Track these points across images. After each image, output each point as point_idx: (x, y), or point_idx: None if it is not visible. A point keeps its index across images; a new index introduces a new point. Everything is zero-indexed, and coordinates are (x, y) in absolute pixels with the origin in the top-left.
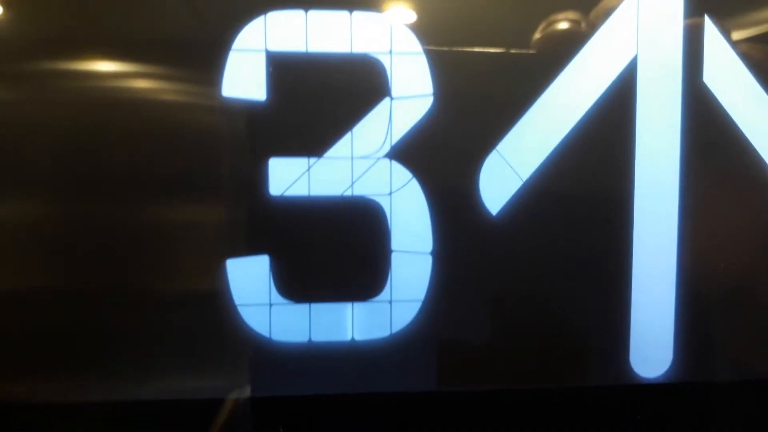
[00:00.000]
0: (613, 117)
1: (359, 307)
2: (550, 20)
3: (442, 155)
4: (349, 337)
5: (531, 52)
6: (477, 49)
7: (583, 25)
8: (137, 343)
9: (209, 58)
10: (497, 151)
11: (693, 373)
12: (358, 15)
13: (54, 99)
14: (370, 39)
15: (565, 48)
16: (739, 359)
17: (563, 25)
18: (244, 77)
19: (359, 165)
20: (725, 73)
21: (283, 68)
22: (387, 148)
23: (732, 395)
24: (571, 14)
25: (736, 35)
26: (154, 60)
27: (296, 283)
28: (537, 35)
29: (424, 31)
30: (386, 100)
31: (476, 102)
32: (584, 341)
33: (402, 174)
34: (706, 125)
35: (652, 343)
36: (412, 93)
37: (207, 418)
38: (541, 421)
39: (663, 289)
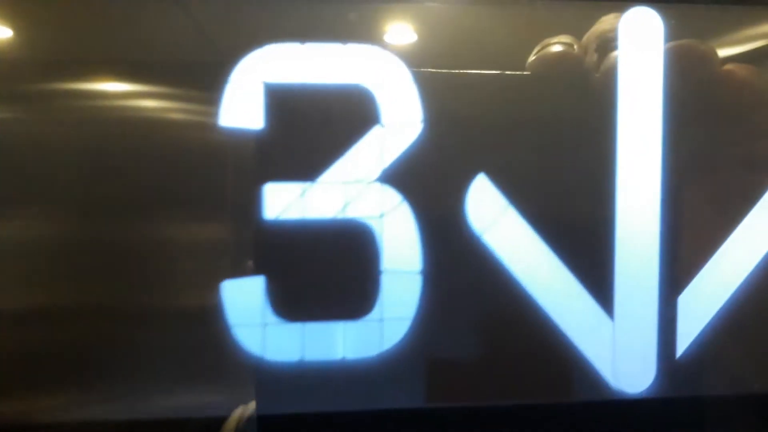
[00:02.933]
0: (592, 136)
1: (350, 326)
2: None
3: (431, 178)
4: (340, 356)
5: (518, 74)
6: (464, 74)
7: (575, 48)
8: (134, 361)
9: (209, 88)
10: (484, 173)
11: (676, 389)
12: (351, 46)
13: (55, 118)
14: (362, 69)
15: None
16: (723, 374)
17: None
18: (241, 107)
19: (351, 189)
20: None
21: (279, 99)
22: (378, 173)
23: (717, 410)
24: (564, 38)
25: None
26: (157, 87)
27: (290, 303)
28: (529, 57)
29: (413, 59)
30: (377, 128)
31: (464, 127)
32: (569, 357)
33: (392, 197)
34: None
35: (634, 358)
36: (402, 120)
37: None
38: None
39: (647, 301)
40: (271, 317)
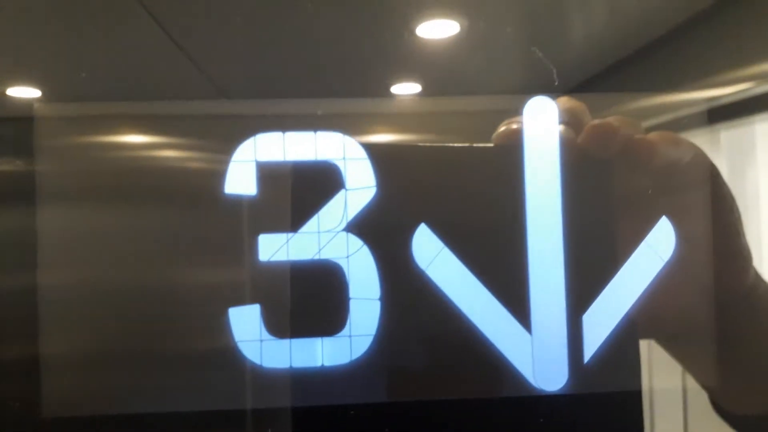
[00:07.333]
0: (504, 194)
1: (327, 340)
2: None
3: (384, 227)
4: (320, 363)
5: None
6: (409, 146)
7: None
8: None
9: (214, 168)
10: (424, 223)
11: (585, 387)
12: (321, 134)
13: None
14: (330, 149)
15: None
16: (624, 375)
17: None
18: (240, 179)
19: (324, 238)
20: None
21: (268, 172)
22: (344, 224)
23: (619, 404)
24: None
25: None
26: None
27: (280, 323)
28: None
29: (367, 141)
30: (342, 191)
31: (407, 189)
32: (498, 364)
33: (356, 242)
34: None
35: (550, 364)
36: (361, 185)
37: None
38: (461, 428)
39: (557, 319)
40: (266, 335)
